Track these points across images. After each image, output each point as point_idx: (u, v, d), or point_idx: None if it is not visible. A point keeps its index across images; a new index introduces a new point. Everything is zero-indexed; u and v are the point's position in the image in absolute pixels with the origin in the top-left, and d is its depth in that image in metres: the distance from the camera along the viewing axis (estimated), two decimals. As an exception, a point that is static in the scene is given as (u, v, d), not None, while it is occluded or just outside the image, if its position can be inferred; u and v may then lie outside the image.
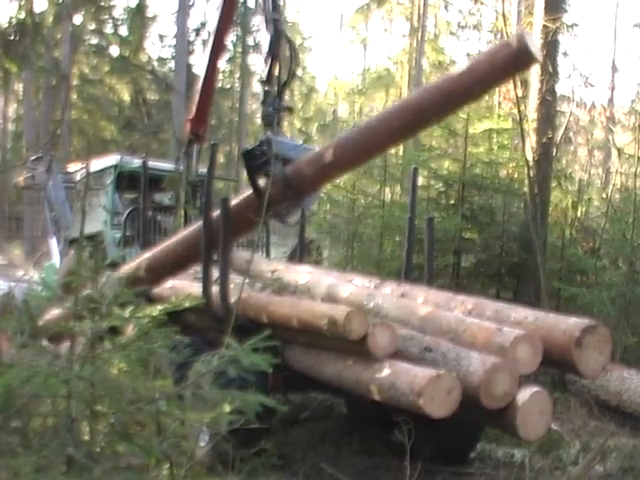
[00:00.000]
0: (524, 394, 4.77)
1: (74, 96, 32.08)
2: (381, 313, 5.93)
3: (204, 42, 34.14)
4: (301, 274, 7.35)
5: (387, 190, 15.00)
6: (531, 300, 10.52)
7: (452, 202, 12.51)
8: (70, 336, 3.08)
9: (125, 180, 11.04)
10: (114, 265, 5.97)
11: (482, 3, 33.73)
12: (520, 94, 12.08)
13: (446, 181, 12.70)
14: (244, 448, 4.86)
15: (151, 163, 10.06)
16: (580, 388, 8.88)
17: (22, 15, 7.47)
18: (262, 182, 6.27)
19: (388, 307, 6.01)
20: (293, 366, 6.24)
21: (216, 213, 6.75)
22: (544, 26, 11.92)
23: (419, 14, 37.45)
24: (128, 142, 31.11)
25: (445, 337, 5.28)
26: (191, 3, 33.71)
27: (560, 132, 14.16)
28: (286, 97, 7.04)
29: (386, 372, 5.12)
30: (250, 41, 39.28)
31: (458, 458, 6.83)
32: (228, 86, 41.02)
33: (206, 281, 6.85)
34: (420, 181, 12.23)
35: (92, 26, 28.87)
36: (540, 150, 11.89)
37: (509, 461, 7.02)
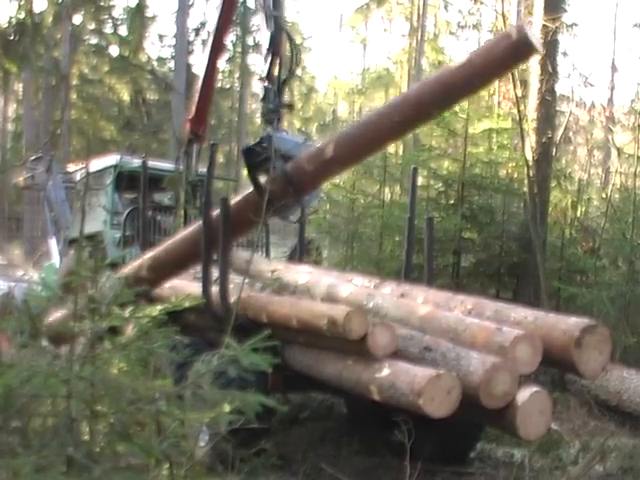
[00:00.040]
0: (524, 394, 4.77)
1: (74, 96, 32.08)
2: (381, 313, 5.93)
3: (204, 42, 34.11)
4: (301, 274, 7.35)
5: (387, 190, 15.01)
6: (531, 300, 10.52)
7: (452, 202, 12.52)
8: (70, 336, 3.08)
9: (125, 180, 11.04)
10: (114, 265, 5.98)
11: (482, 3, 33.67)
12: (520, 94, 12.09)
13: (446, 181, 12.70)
14: (244, 448, 4.85)
15: (151, 163, 10.07)
16: (580, 388, 8.88)
17: (22, 15, 7.46)
18: (263, 179, 6.25)
19: (388, 307, 6.00)
20: (293, 366, 6.24)
21: (216, 213, 6.75)
22: (544, 26, 11.91)
23: (419, 14, 37.46)
24: (128, 142, 31.12)
25: (445, 337, 5.28)
26: (191, 3, 33.72)
27: (560, 132, 14.15)
28: (286, 95, 7.02)
29: (386, 372, 5.12)
30: (250, 41, 39.27)
31: (458, 458, 6.83)
32: (228, 86, 41.04)
33: (206, 281, 6.85)
34: (420, 181, 12.24)
35: (92, 26, 28.84)
36: (540, 150, 11.89)
37: (509, 461, 7.02)
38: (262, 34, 6.86)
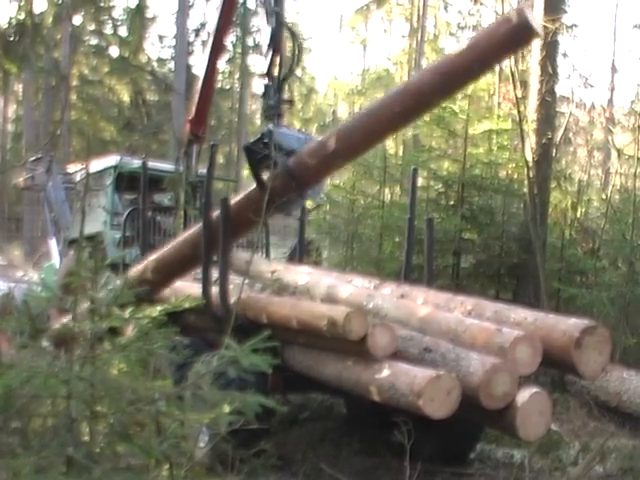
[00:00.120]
0: (524, 395, 4.77)
1: (74, 97, 32.08)
2: (381, 314, 5.93)
3: (204, 43, 34.13)
4: (301, 275, 7.35)
5: (387, 191, 15.01)
6: (531, 301, 10.53)
7: (452, 203, 12.52)
8: (70, 337, 3.08)
9: (125, 181, 11.03)
10: (114, 266, 5.98)
11: (482, 4, 33.71)
12: (520, 95, 12.09)
13: (446, 182, 12.70)
14: (244, 449, 4.85)
15: (151, 164, 10.05)
16: (580, 389, 8.88)
17: (22, 16, 7.46)
18: (265, 175, 6.24)
19: (388, 308, 6.00)
20: (293, 367, 6.24)
21: (216, 214, 6.74)
22: (544, 27, 11.91)
23: (419, 15, 37.47)
24: (128, 143, 31.11)
25: (445, 338, 5.28)
26: (191, 4, 33.75)
27: (560, 133, 14.16)
28: (287, 91, 7.00)
29: (386, 373, 5.12)
30: (250, 42, 39.28)
31: (458, 458, 6.83)
32: (228, 87, 41.03)
33: (206, 282, 6.85)
34: (420, 182, 12.24)
35: (92, 27, 28.79)
36: (540, 151, 11.89)
37: (509, 462, 7.02)
38: (263, 31, 6.85)
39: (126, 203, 11.89)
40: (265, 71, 6.70)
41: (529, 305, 7.15)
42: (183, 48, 29.27)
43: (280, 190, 6.02)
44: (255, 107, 43.35)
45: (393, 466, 6.15)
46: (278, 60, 6.67)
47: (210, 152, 7.50)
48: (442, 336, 5.32)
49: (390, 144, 33.30)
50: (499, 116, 14.52)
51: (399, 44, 44.58)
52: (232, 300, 6.48)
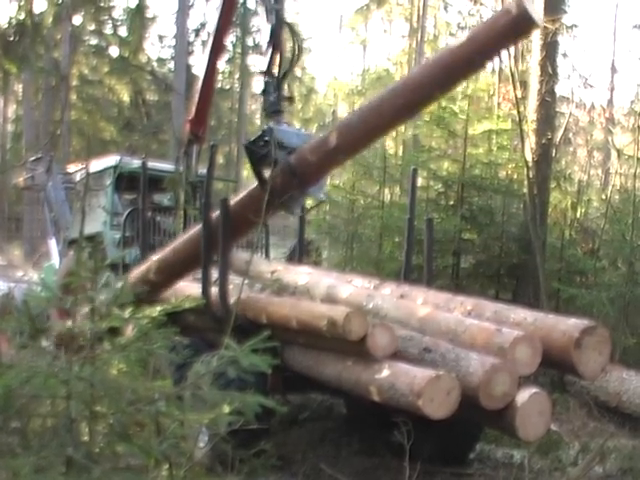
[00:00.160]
0: (523, 395, 4.77)
1: (74, 97, 32.07)
2: (380, 314, 5.93)
3: (204, 43, 34.15)
4: (300, 275, 7.35)
5: (386, 191, 15.02)
6: (530, 301, 10.53)
7: (451, 203, 12.53)
8: (70, 337, 3.08)
9: (125, 181, 11.03)
10: (113, 266, 5.98)
11: (481, 4, 33.71)
12: (519, 95, 12.10)
13: (445, 182, 12.71)
14: (243, 449, 4.85)
15: (151, 164, 10.05)
16: (579, 389, 8.88)
17: (22, 16, 7.45)
18: (267, 173, 6.23)
19: (387, 308, 6.01)
20: (292, 367, 6.24)
21: (217, 214, 6.74)
22: (543, 27, 11.91)
23: (418, 15, 37.49)
24: (128, 143, 31.11)
25: (444, 338, 5.28)
26: (191, 4, 33.73)
27: (559, 133, 14.17)
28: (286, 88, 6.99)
29: (385, 373, 5.12)
30: (250, 42, 39.31)
31: (457, 459, 6.83)
32: (228, 87, 41.03)
33: (205, 282, 6.85)
34: (419, 182, 12.25)
35: (92, 27, 28.77)
36: (539, 151, 11.89)
37: (508, 462, 7.02)
38: (263, 30, 6.87)
39: (126, 203, 11.88)
40: (265, 68, 6.70)
41: (529, 305, 7.14)
42: (183, 48, 29.27)
43: (282, 187, 6.01)
44: (255, 107, 43.34)
45: (393, 466, 6.15)
46: (278, 57, 6.67)
47: (210, 152, 7.50)
48: (442, 336, 5.32)
49: (390, 144, 33.32)
50: (499, 116, 14.53)
51: (399, 44, 44.63)
52: (232, 300, 6.48)
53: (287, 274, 7.49)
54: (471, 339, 5.13)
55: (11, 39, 7.22)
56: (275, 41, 6.65)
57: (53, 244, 13.24)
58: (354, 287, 6.85)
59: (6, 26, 7.33)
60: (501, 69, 24.47)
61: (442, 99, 13.33)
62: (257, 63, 38.52)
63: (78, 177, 12.69)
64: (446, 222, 11.88)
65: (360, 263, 12.84)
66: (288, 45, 6.92)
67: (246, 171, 38.56)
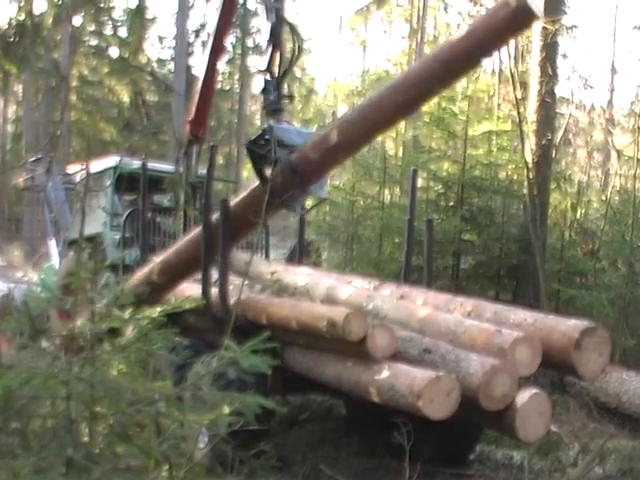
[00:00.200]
0: (523, 396, 4.77)
1: (74, 97, 32.08)
2: (380, 315, 5.93)
3: (203, 43, 34.15)
4: (300, 276, 7.35)
5: (386, 192, 15.02)
6: (530, 302, 10.53)
7: (451, 204, 12.53)
8: (70, 338, 3.08)
9: (124, 181, 11.02)
10: (113, 266, 5.97)
11: (481, 5, 33.71)
12: (519, 96, 12.10)
13: (445, 183, 12.71)
14: (243, 449, 4.85)
15: (150, 164, 10.04)
16: (579, 390, 8.88)
17: (22, 16, 7.45)
18: (268, 171, 6.21)
19: (387, 309, 6.00)
20: (292, 367, 6.23)
21: (217, 214, 6.74)
22: (543, 28, 11.92)
23: (418, 16, 37.47)
24: (127, 143, 31.09)
25: (444, 339, 5.28)
26: (191, 5, 33.75)
27: (559, 134, 14.17)
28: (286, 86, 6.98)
29: (385, 374, 5.12)
30: (250, 43, 39.31)
31: (457, 460, 6.83)
32: (227, 87, 41.02)
33: (205, 283, 6.85)
34: (419, 183, 12.25)
35: (92, 27, 28.81)
36: (539, 152, 11.89)
37: (508, 463, 7.02)
38: (263, 30, 6.87)
39: (126, 204, 11.87)
40: (265, 67, 6.69)
41: (529, 306, 7.14)
42: (183, 49, 29.27)
43: (283, 186, 6.00)
44: (255, 108, 43.32)
45: (392, 467, 6.15)
46: (278, 56, 6.66)
47: (210, 153, 7.50)
48: (442, 337, 5.32)
49: (390, 145, 33.33)
50: (499, 117, 14.54)
51: (399, 45, 44.54)
52: (232, 301, 6.48)
53: (287, 275, 7.49)
54: (471, 340, 5.12)
55: (11, 40, 7.21)
56: (275, 40, 6.64)
57: (53, 245, 13.24)
58: (354, 288, 6.84)
59: (6, 27, 7.32)
60: (501, 70, 24.48)
61: (442, 100, 13.35)
62: (257, 64, 38.59)
63: (78, 178, 12.69)
64: (446, 223, 11.88)
65: (360, 264, 12.84)
66: (288, 45, 6.92)
67: (246, 172, 38.59)
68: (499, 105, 21.07)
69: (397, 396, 4.92)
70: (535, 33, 12.30)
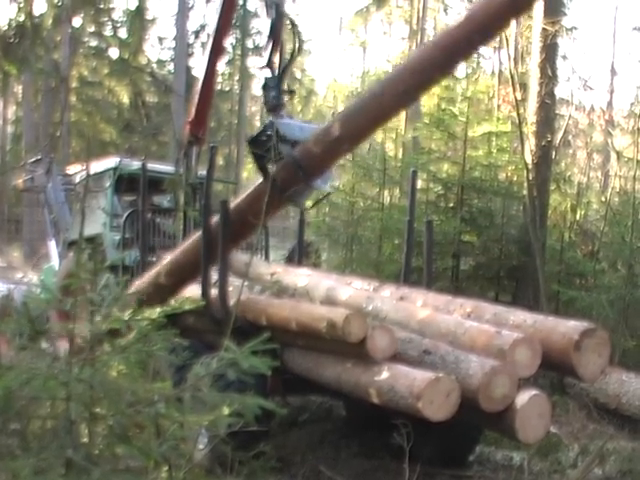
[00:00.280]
0: (523, 397, 4.76)
1: (73, 98, 32.09)
2: (380, 316, 5.92)
3: (203, 44, 34.17)
4: (300, 277, 7.34)
5: (386, 193, 15.01)
6: (530, 303, 10.52)
7: (451, 205, 12.53)
8: (69, 338, 3.08)
9: (124, 182, 11.02)
10: (113, 267, 5.98)
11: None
12: (519, 97, 12.10)
13: (445, 184, 12.71)
14: (243, 451, 4.85)
15: (150, 165, 10.04)
16: (579, 391, 8.87)
17: (21, 17, 7.45)
18: (271, 167, 6.20)
19: (387, 310, 6.00)
20: (292, 369, 6.23)
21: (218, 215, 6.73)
22: (543, 29, 11.94)
23: (418, 17, 37.49)
24: (127, 144, 31.08)
25: (444, 340, 5.28)
26: (190, 5, 33.79)
27: (559, 135, 14.17)
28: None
29: (385, 375, 5.11)
30: (250, 43, 39.33)
31: (457, 461, 6.82)
32: (227, 88, 41.05)
33: (205, 284, 6.84)
34: (419, 184, 12.25)
35: (91, 28, 28.86)
36: (539, 153, 11.90)
37: (508, 464, 7.01)
38: (263, 28, 6.87)
39: (125, 205, 11.88)
40: (265, 63, 6.68)
41: (528, 307, 7.14)
42: (183, 50, 29.31)
43: (287, 181, 5.98)
44: (255, 109, 43.37)
45: (392, 468, 6.15)
46: (278, 52, 6.66)
47: (210, 154, 7.49)
48: (441, 338, 5.31)
49: (390, 146, 33.33)
50: (499, 118, 14.55)
51: (399, 46, 44.56)
52: (231, 302, 6.47)
53: (287, 276, 7.49)
54: (471, 341, 5.12)
55: (11, 41, 7.21)
56: (275, 36, 6.63)
57: (53, 246, 13.24)
58: (354, 289, 6.84)
59: (6, 28, 7.33)
60: (501, 71, 24.50)
61: (442, 101, 13.35)
62: (257, 63, 38.61)
63: (78, 179, 12.70)
64: (446, 224, 11.88)
65: (360, 265, 12.84)
66: (288, 45, 6.92)
67: (246, 172, 38.64)
68: (499, 106, 21.09)
69: (397, 397, 4.91)
70: (535, 34, 12.32)
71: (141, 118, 33.25)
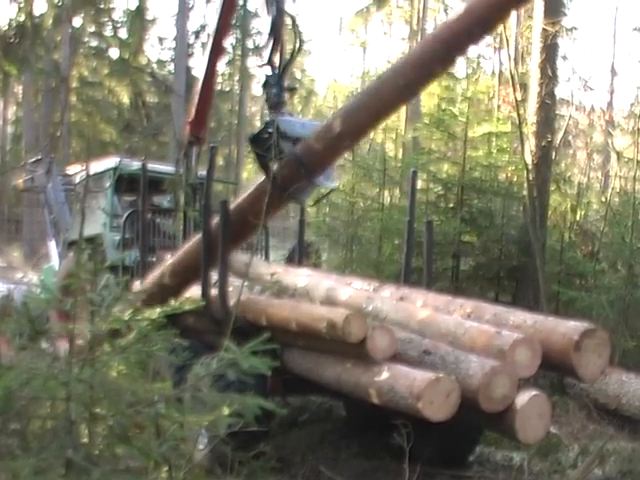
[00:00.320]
0: (523, 397, 4.76)
1: (73, 98, 32.09)
2: (380, 316, 5.92)
3: (203, 44, 34.17)
4: (300, 277, 7.34)
5: (386, 193, 15.01)
6: (530, 303, 10.53)
7: (451, 205, 12.53)
8: (69, 338, 3.08)
9: (124, 182, 11.01)
10: (113, 268, 5.97)
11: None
12: (519, 97, 12.10)
13: (445, 184, 12.71)
14: (243, 451, 4.85)
15: (150, 165, 10.04)
16: (579, 391, 8.87)
17: (22, 17, 7.45)
18: (273, 165, 6.19)
19: (387, 310, 6.00)
20: (292, 369, 6.23)
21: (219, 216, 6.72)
22: (543, 29, 11.94)
23: (418, 17, 37.50)
24: (127, 144, 31.07)
25: (444, 340, 5.28)
26: (191, 6, 33.80)
27: (559, 135, 14.18)
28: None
29: (385, 375, 5.11)
30: (250, 44, 39.33)
31: (457, 461, 6.82)
32: (227, 89, 41.06)
33: (205, 284, 6.84)
34: (419, 184, 12.24)
35: (92, 28, 28.88)
36: (539, 153, 11.90)
37: (508, 464, 7.01)
38: (263, 27, 6.85)
39: (125, 205, 11.88)
40: (266, 60, 6.67)
41: (528, 308, 7.14)
42: (183, 50, 29.31)
43: (289, 179, 5.98)
44: (255, 109, 43.37)
45: (392, 469, 6.15)
46: (279, 49, 6.65)
47: (210, 154, 7.49)
48: (441, 339, 5.31)
49: (390, 146, 33.33)
50: (499, 119, 14.55)
51: (399, 47, 44.59)
52: (231, 302, 6.47)
53: (287, 276, 7.49)
54: (471, 341, 5.12)
55: (11, 41, 7.21)
56: (275, 33, 6.62)
57: (53, 246, 13.25)
58: (354, 289, 6.84)
59: (6, 28, 7.33)
60: (501, 72, 24.50)
61: (442, 102, 13.34)
62: (257, 63, 38.57)
63: (78, 179, 12.70)
64: (446, 224, 11.88)
65: (360, 265, 12.84)
66: (288, 45, 6.91)
67: (246, 173, 38.64)
68: (499, 107, 21.10)
69: (397, 397, 4.91)
70: (535, 35, 12.32)
71: (141, 118, 33.24)
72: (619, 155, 16.42)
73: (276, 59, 6.65)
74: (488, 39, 37.15)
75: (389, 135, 37.09)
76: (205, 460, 5.39)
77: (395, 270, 10.64)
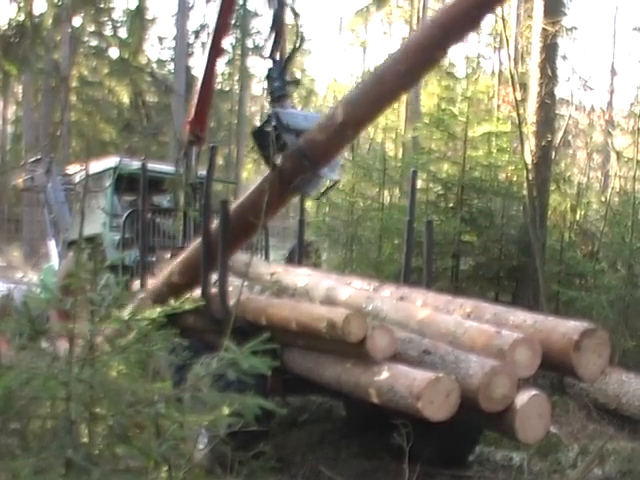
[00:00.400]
0: (523, 397, 4.76)
1: (73, 98, 32.10)
2: (380, 316, 5.92)
3: (203, 44, 34.16)
4: (300, 277, 7.34)
5: (386, 193, 15.01)
6: (530, 303, 10.53)
7: (451, 205, 12.53)
8: (69, 338, 3.08)
9: (124, 182, 11.01)
10: (113, 267, 5.97)
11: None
12: (519, 97, 12.10)
13: (445, 184, 12.71)
14: (243, 451, 4.85)
15: (150, 165, 10.01)
16: (579, 391, 8.87)
17: (21, 17, 7.44)
18: (277, 158, 6.18)
19: (387, 310, 6.00)
20: (292, 369, 6.23)
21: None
22: (543, 29, 11.94)
23: (418, 17, 37.42)
24: (127, 144, 31.05)
25: (444, 340, 5.28)
26: (191, 5, 33.79)
27: (559, 135, 14.18)
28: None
29: (385, 375, 5.11)
30: (249, 43, 39.34)
31: (457, 461, 6.82)
32: (227, 88, 41.06)
33: (205, 283, 6.84)
34: (419, 184, 12.24)
35: (91, 28, 28.84)
36: (539, 153, 11.90)
37: (508, 464, 7.02)
38: (261, 35, 6.85)
39: (125, 205, 11.88)
40: (269, 53, 6.66)
41: (528, 308, 7.14)
42: (183, 50, 29.32)
43: (293, 171, 5.97)
44: (255, 109, 43.37)
45: (392, 469, 6.15)
46: (281, 42, 6.64)
47: (210, 154, 7.49)
48: (441, 338, 5.31)
49: (390, 146, 33.32)
50: (498, 119, 14.54)
51: (399, 46, 44.55)
52: (231, 302, 6.47)
53: (287, 276, 7.49)
54: (471, 341, 5.12)
55: (11, 40, 7.21)
56: (277, 26, 6.61)
57: (53, 245, 13.25)
58: (353, 289, 6.84)
59: (6, 27, 7.32)
60: (501, 71, 24.50)
61: (442, 101, 13.33)
62: (257, 65, 38.63)
63: (78, 178, 12.70)
64: (446, 224, 11.88)
65: (360, 265, 12.84)
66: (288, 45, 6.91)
67: (246, 172, 38.64)
68: (499, 106, 21.09)
69: (397, 397, 4.91)
70: (535, 34, 12.32)
71: (141, 118, 33.17)
72: (619, 155, 16.43)
73: (278, 52, 6.65)
74: (488, 39, 37.18)
75: (389, 135, 37.10)
76: (205, 460, 5.39)
77: (395, 270, 10.64)
